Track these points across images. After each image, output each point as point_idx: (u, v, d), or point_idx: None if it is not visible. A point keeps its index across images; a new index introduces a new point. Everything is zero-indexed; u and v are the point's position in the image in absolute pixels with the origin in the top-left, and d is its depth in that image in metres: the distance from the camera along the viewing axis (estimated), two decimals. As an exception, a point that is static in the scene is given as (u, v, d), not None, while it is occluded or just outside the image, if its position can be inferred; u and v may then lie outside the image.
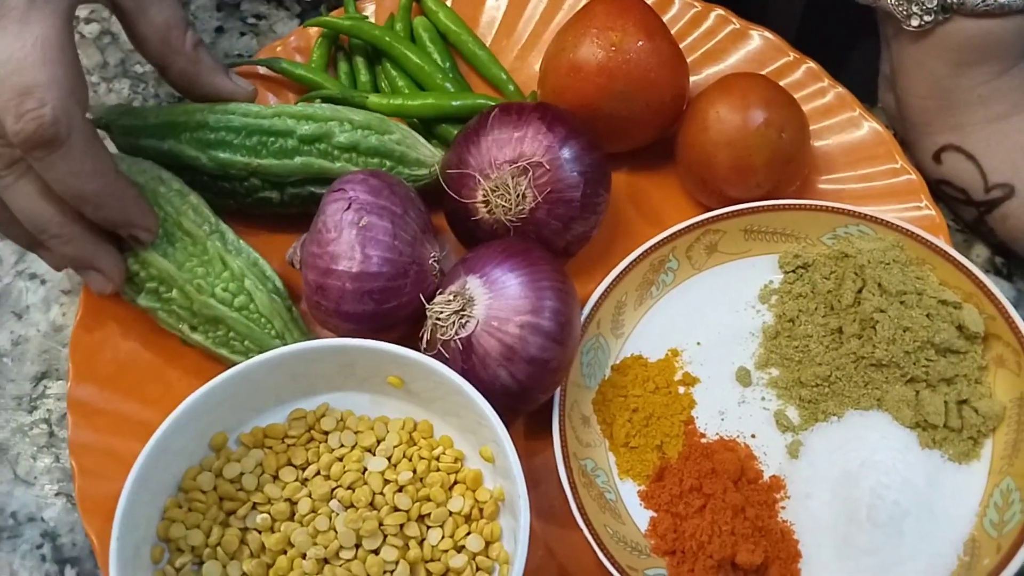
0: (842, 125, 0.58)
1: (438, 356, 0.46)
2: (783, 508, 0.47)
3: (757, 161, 0.52)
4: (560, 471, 0.47)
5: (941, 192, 0.57)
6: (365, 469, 0.47)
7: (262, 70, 0.62)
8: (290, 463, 0.48)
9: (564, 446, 0.47)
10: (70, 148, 0.42)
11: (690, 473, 0.48)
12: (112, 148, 0.59)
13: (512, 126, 0.50)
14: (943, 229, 0.54)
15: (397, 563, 0.44)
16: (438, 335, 0.47)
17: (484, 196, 0.50)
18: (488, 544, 0.45)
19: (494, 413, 0.44)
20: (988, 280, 0.49)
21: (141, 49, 0.52)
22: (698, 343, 0.53)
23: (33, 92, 0.41)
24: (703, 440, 0.50)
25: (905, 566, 0.44)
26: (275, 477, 0.47)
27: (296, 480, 0.47)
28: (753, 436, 0.50)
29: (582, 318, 0.50)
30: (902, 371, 0.48)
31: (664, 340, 0.53)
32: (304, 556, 0.45)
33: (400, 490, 0.46)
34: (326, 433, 0.49)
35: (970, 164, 0.55)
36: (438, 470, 0.47)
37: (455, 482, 0.47)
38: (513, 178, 0.49)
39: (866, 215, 0.52)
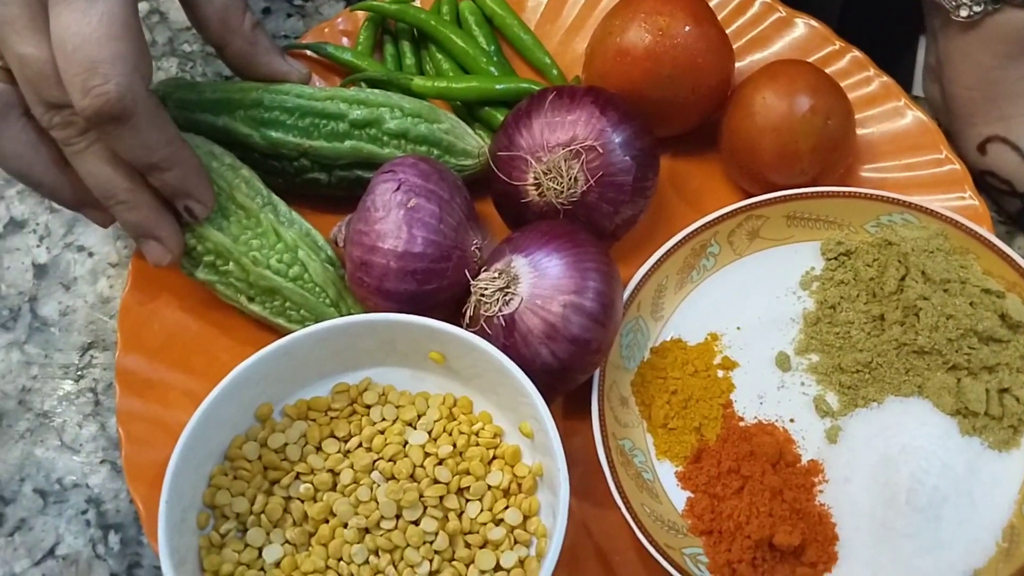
0: (887, 114, 0.58)
1: (480, 332, 0.47)
2: (821, 492, 0.47)
3: (802, 148, 0.52)
4: (599, 450, 0.47)
5: (985, 183, 0.57)
6: (406, 443, 0.48)
7: (309, 53, 0.62)
8: (333, 435, 0.49)
9: (603, 426, 0.48)
10: (136, 121, 0.43)
11: (728, 455, 0.48)
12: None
13: (565, 109, 0.50)
14: (986, 219, 0.54)
15: (436, 534, 0.45)
16: (481, 311, 0.47)
17: (535, 179, 0.50)
18: (526, 518, 0.46)
19: (535, 389, 0.45)
20: (1032, 270, 0.49)
21: (200, 29, 0.53)
22: (738, 328, 0.53)
23: (98, 68, 0.42)
24: (741, 423, 0.50)
25: (943, 551, 0.44)
26: (318, 448, 0.48)
27: (338, 452, 0.48)
28: (792, 420, 0.50)
29: (623, 300, 0.50)
30: (944, 358, 0.48)
31: (704, 324, 0.53)
32: (345, 525, 0.46)
33: (440, 463, 0.47)
34: (368, 407, 0.49)
35: (1015, 155, 0.55)
36: (477, 445, 0.48)
37: (494, 457, 0.48)
38: (566, 161, 0.49)
39: (910, 203, 0.52)
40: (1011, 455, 0.47)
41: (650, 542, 0.44)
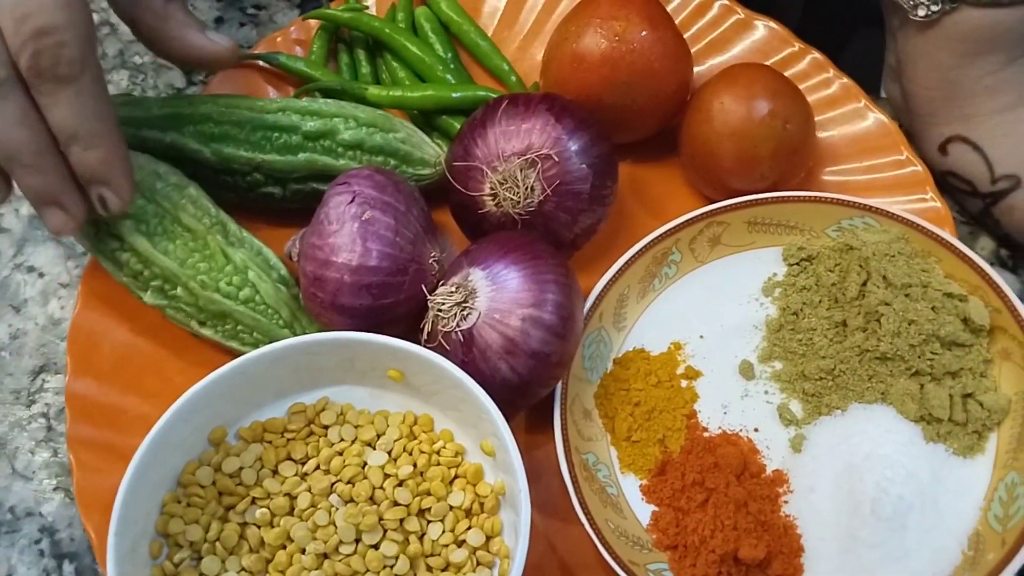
0: (847, 116, 0.58)
1: (439, 348, 0.46)
2: (786, 502, 0.47)
3: (762, 152, 0.52)
4: (561, 465, 0.46)
5: (947, 184, 0.57)
6: (365, 463, 0.47)
7: (261, 63, 0.61)
8: (289, 458, 0.48)
9: (565, 440, 0.47)
10: (80, 85, 0.42)
11: (692, 467, 0.47)
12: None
13: (520, 118, 0.50)
14: (948, 221, 0.54)
15: (397, 558, 0.44)
16: (439, 327, 0.46)
17: (492, 189, 0.49)
18: (489, 538, 0.45)
19: (495, 406, 0.44)
20: (994, 272, 0.48)
21: (111, 3, 0.51)
22: (701, 336, 0.53)
23: (51, 33, 0.41)
24: (705, 434, 0.50)
25: (909, 560, 0.44)
26: (274, 472, 0.47)
27: (295, 475, 0.47)
28: (756, 430, 0.50)
29: (584, 311, 0.50)
30: (907, 364, 0.48)
31: (667, 333, 0.53)
32: (303, 551, 0.45)
33: (400, 484, 0.46)
34: (326, 427, 0.48)
35: (976, 155, 0.55)
36: (439, 464, 0.47)
37: (455, 476, 0.47)
38: (521, 171, 0.49)
39: (871, 207, 0.51)
40: (976, 461, 0.47)
41: (614, 559, 0.44)
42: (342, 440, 0.48)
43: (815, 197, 0.52)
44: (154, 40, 0.51)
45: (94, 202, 0.46)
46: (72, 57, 0.41)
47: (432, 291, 0.47)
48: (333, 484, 0.46)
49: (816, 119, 0.55)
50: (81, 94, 0.42)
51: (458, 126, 0.57)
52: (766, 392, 0.51)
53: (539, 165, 0.49)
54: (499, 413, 0.44)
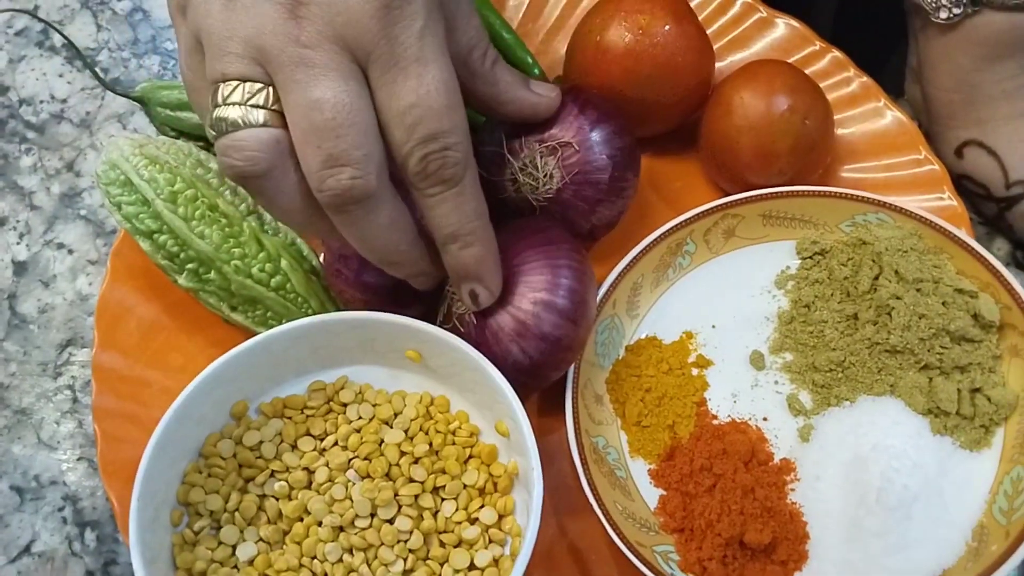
0: (866, 115, 0.58)
1: (453, 330, 0.47)
2: (792, 490, 0.47)
3: (780, 147, 0.52)
4: (572, 447, 0.47)
5: (962, 187, 0.57)
6: (382, 441, 0.48)
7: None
8: (308, 433, 0.49)
9: (576, 423, 0.48)
10: (463, 186, 0.42)
11: (701, 453, 0.48)
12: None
13: None
14: (965, 220, 0.54)
15: (411, 533, 0.45)
16: (454, 308, 0.47)
17: (511, 174, 0.50)
18: (501, 517, 0.46)
19: (510, 388, 0.45)
20: (1005, 270, 0.49)
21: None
22: (713, 326, 0.53)
23: (439, 137, 0.40)
24: (715, 422, 0.50)
25: (912, 550, 0.44)
26: (293, 446, 0.48)
27: (314, 450, 0.48)
28: (765, 419, 0.50)
29: (598, 298, 0.50)
30: (916, 358, 0.48)
31: (679, 322, 0.53)
32: (320, 524, 0.46)
33: (416, 462, 0.47)
34: (344, 405, 0.49)
35: (992, 160, 0.55)
36: (454, 444, 0.48)
37: (470, 456, 0.48)
38: (541, 157, 0.50)
39: (884, 203, 0.52)
40: (982, 455, 0.47)
41: (621, 539, 0.44)
42: (360, 418, 0.49)
43: (829, 192, 0.53)
44: (487, 105, 0.49)
45: (463, 296, 0.45)
46: (457, 160, 0.41)
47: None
48: (350, 460, 0.47)
49: (835, 117, 0.55)
50: (463, 194, 0.42)
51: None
52: (776, 382, 0.51)
53: (559, 153, 0.50)
54: (514, 395, 0.44)
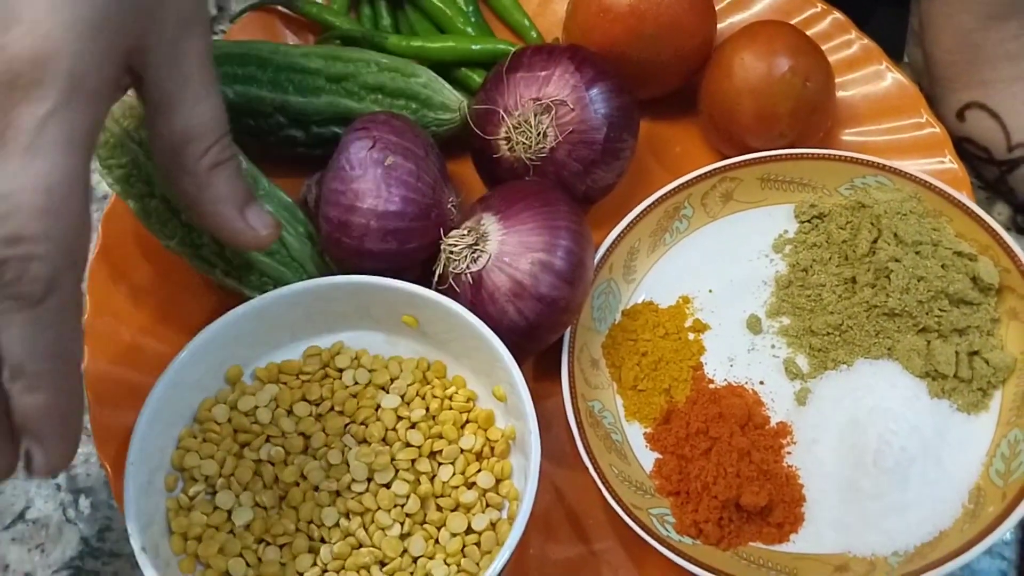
0: (868, 77, 0.58)
1: (449, 290, 0.47)
2: (789, 453, 0.47)
3: (781, 110, 0.52)
4: (568, 412, 0.47)
5: (963, 150, 0.56)
6: (379, 406, 0.48)
7: (280, 8, 0.62)
8: (304, 399, 0.48)
9: (572, 387, 0.48)
10: (41, 311, 0.34)
11: (697, 417, 0.48)
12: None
13: (541, 65, 0.50)
14: (966, 184, 0.54)
15: (408, 497, 0.45)
16: (450, 269, 0.47)
17: (506, 133, 0.50)
18: (498, 481, 0.46)
19: (508, 353, 0.44)
20: (1005, 232, 0.48)
21: (151, 146, 0.43)
22: (710, 290, 0.53)
23: (21, 242, 0.33)
24: (711, 386, 0.50)
25: (909, 511, 0.44)
26: (289, 412, 0.48)
27: (310, 415, 0.48)
28: (761, 383, 0.50)
29: (595, 262, 0.50)
30: (914, 321, 0.48)
31: (676, 287, 0.53)
32: (316, 489, 0.46)
33: (413, 427, 0.47)
34: (340, 370, 0.49)
35: (994, 122, 0.55)
36: (451, 408, 0.47)
37: (467, 421, 0.47)
38: (535, 115, 0.49)
39: (883, 165, 0.51)
40: (979, 418, 0.47)
41: (617, 502, 0.44)
42: (356, 383, 0.49)
43: (828, 155, 0.52)
44: (188, 207, 0.44)
45: (19, 453, 0.36)
46: (38, 275, 0.33)
47: (447, 233, 0.48)
48: (347, 425, 0.47)
49: (836, 80, 0.55)
50: (38, 322, 0.34)
51: (477, 79, 0.57)
52: (773, 346, 0.51)
53: (554, 111, 0.49)
54: (512, 359, 0.44)
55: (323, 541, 0.45)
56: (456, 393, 0.48)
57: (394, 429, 0.47)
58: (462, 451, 0.46)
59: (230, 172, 0.42)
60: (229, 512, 0.46)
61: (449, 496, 0.45)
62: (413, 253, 0.48)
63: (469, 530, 0.45)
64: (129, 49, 0.37)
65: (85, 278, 0.55)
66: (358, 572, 0.43)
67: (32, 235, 0.33)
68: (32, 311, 0.34)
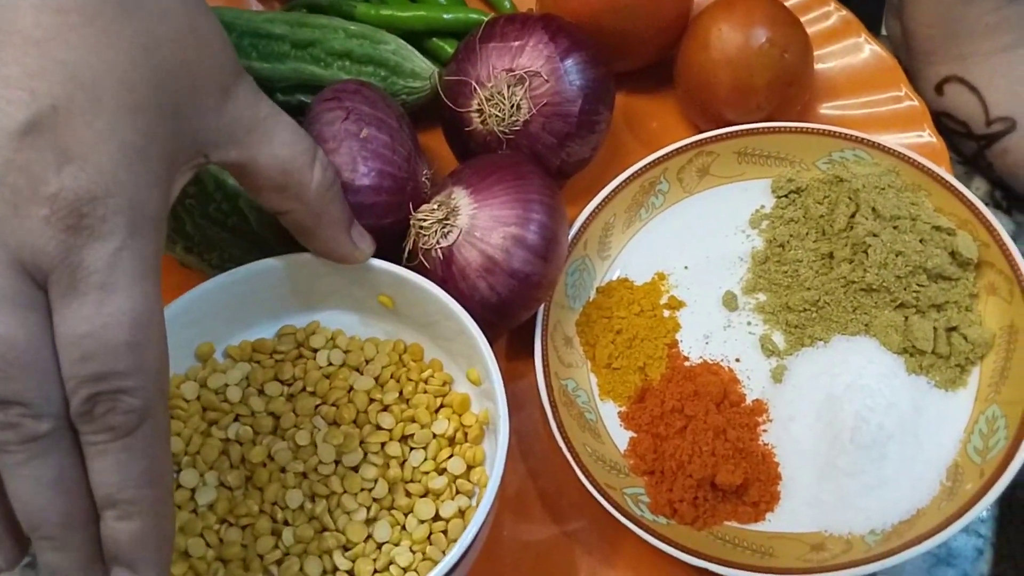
0: (846, 50, 0.57)
1: (419, 266, 0.46)
2: (765, 431, 0.47)
3: (758, 82, 0.51)
4: (541, 390, 0.46)
5: (941, 125, 0.56)
6: (351, 388, 0.47)
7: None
8: (277, 378, 0.47)
9: (546, 366, 0.47)
10: (134, 440, 0.34)
11: (672, 395, 0.47)
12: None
13: (515, 35, 0.49)
14: (945, 158, 0.53)
15: (375, 481, 0.44)
16: (420, 244, 0.46)
17: (479, 105, 0.49)
18: (470, 468, 0.45)
19: (479, 330, 0.43)
20: (983, 207, 0.48)
21: (260, 202, 0.43)
22: (685, 267, 0.52)
23: (110, 378, 0.33)
24: (686, 363, 0.49)
25: (886, 489, 0.44)
26: (260, 391, 0.47)
27: (281, 395, 0.47)
28: (737, 360, 0.50)
29: (569, 238, 0.49)
30: (892, 296, 0.48)
31: (651, 263, 0.52)
32: (283, 470, 0.45)
33: (385, 409, 0.46)
34: (315, 350, 0.48)
35: (972, 96, 0.54)
36: (425, 392, 0.46)
37: (441, 405, 0.46)
38: (508, 87, 0.48)
39: (862, 139, 0.51)
40: (957, 394, 0.46)
41: (591, 482, 0.44)
42: (330, 364, 0.47)
43: (806, 128, 0.52)
44: (301, 236, 0.44)
45: None
46: (133, 407, 0.34)
47: (416, 207, 0.47)
48: (318, 406, 0.46)
49: (815, 52, 0.54)
50: (131, 449, 0.34)
51: (449, 50, 0.56)
52: (749, 323, 0.51)
53: (527, 83, 0.48)
54: (482, 335, 0.43)
55: (287, 524, 0.44)
56: (432, 376, 0.47)
57: (365, 412, 0.46)
58: (434, 436, 0.45)
59: (335, 192, 0.42)
60: (193, 491, 0.45)
61: (418, 482, 0.45)
62: (390, 228, 0.47)
63: (437, 517, 0.44)
64: (186, 155, 0.37)
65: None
66: (320, 557, 0.43)
67: (121, 370, 0.33)
68: (126, 440, 0.34)
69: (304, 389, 0.47)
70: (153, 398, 0.34)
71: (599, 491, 0.44)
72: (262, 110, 0.40)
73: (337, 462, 0.45)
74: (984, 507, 0.41)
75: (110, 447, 0.34)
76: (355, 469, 0.44)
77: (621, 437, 0.48)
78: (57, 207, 0.32)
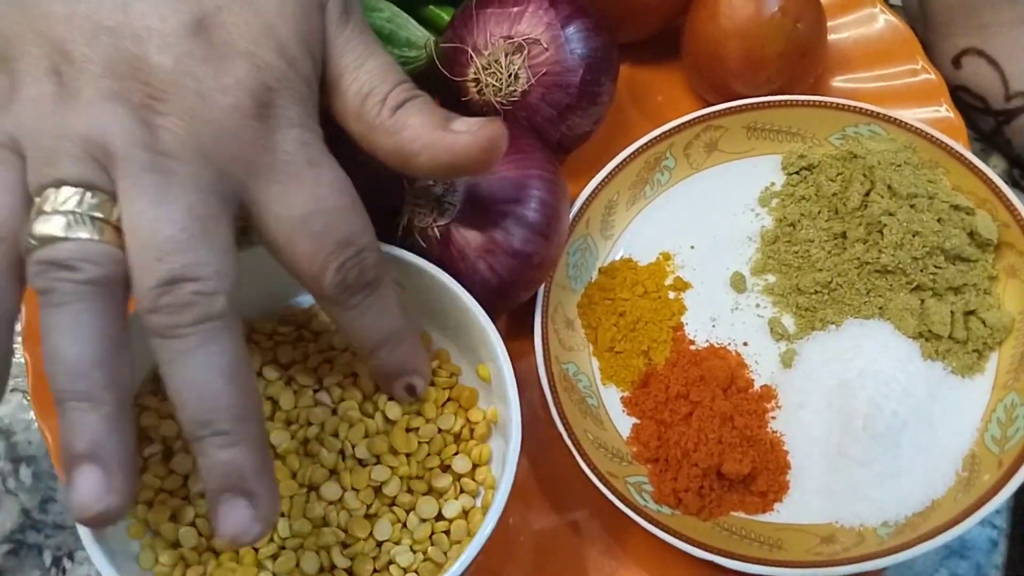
0: (860, 20, 0.56)
1: (414, 246, 0.44)
2: (773, 418, 0.46)
3: (769, 53, 0.50)
4: (541, 374, 0.45)
5: (958, 100, 0.54)
6: (355, 375, 0.45)
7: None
8: (276, 361, 0.45)
9: (546, 349, 0.46)
10: (385, 287, 0.39)
11: (677, 380, 0.46)
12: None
13: (513, 1, 0.47)
14: (962, 133, 0.52)
15: (380, 480, 0.42)
16: (416, 222, 0.44)
17: (475, 74, 0.47)
18: (475, 467, 0.43)
19: (495, 331, 0.42)
20: (1004, 185, 0.46)
21: (347, 132, 0.41)
22: (692, 247, 0.51)
23: (352, 242, 0.36)
24: (692, 347, 0.48)
25: (900, 479, 0.42)
26: (259, 374, 0.45)
27: (279, 379, 0.45)
28: (745, 344, 0.48)
29: (570, 216, 0.48)
30: (908, 278, 0.46)
31: (656, 243, 0.51)
32: (282, 459, 0.43)
33: (390, 399, 0.44)
34: (316, 334, 0.46)
35: (991, 70, 0.53)
36: (432, 384, 0.45)
37: (448, 399, 0.45)
38: (506, 55, 0.46)
39: (877, 113, 0.49)
40: (975, 381, 0.45)
41: (592, 470, 0.43)
42: (332, 348, 0.46)
43: (818, 102, 0.50)
44: (398, 162, 0.40)
45: (396, 391, 0.42)
46: (376, 260, 0.37)
47: (411, 184, 0.45)
48: (318, 391, 0.44)
49: (828, 23, 0.52)
50: (385, 296, 0.39)
51: (446, 17, 0.54)
52: (757, 305, 0.49)
53: (526, 51, 0.46)
54: (498, 337, 0.41)
55: (283, 515, 0.42)
56: (439, 368, 0.45)
57: (372, 399, 0.44)
58: (440, 431, 0.44)
59: (418, 105, 0.40)
60: (185, 478, 0.43)
61: (422, 479, 0.43)
62: (389, 207, 0.45)
63: (440, 516, 0.42)
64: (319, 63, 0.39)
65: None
66: (318, 552, 0.41)
67: (355, 232, 0.37)
68: (380, 291, 0.38)
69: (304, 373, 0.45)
70: (379, 245, 0.38)
71: (601, 479, 0.42)
72: (367, 38, 0.41)
73: (342, 452, 0.43)
74: (1003, 499, 0.40)
75: (370, 302, 0.38)
76: (360, 463, 0.43)
77: (624, 423, 0.47)
78: (241, 95, 0.34)
